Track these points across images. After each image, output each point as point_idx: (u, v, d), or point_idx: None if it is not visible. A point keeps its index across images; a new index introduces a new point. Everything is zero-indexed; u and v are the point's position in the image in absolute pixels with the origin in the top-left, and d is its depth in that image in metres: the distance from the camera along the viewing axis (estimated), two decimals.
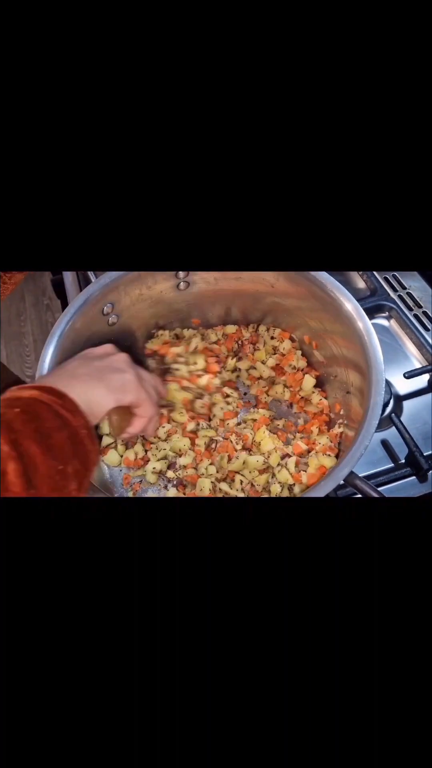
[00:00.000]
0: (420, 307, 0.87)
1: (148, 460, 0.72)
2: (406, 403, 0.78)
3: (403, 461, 0.73)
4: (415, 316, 0.86)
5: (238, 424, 0.74)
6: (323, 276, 0.67)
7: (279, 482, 0.66)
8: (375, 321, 0.87)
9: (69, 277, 0.89)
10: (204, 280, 0.76)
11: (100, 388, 0.55)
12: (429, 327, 0.85)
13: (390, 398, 0.77)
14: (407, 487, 0.71)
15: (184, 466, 0.71)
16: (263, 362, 0.78)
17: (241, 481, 0.67)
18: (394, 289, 0.90)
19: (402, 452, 0.73)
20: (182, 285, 0.76)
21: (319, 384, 0.75)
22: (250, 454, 0.68)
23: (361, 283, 0.92)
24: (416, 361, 0.83)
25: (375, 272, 0.91)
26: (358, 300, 0.66)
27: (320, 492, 0.55)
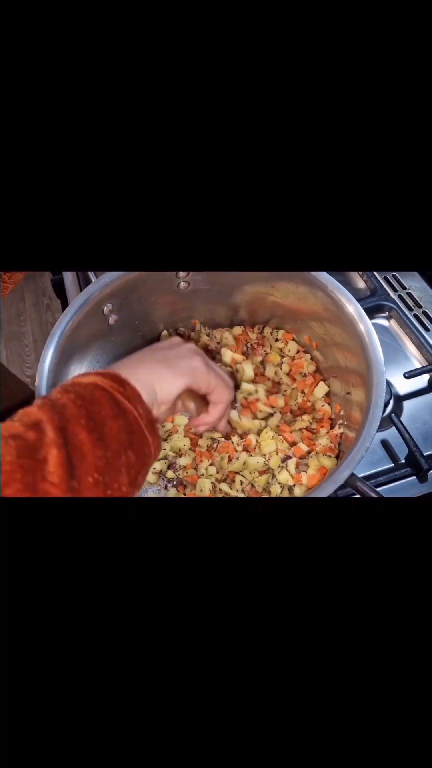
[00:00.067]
0: (420, 307, 0.87)
1: None
2: (406, 403, 0.78)
3: (403, 461, 0.73)
4: (415, 316, 0.86)
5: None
6: (324, 276, 0.67)
7: (279, 483, 0.66)
8: (375, 321, 0.87)
9: (69, 277, 0.89)
10: (204, 280, 0.76)
11: (167, 373, 0.53)
12: (429, 327, 0.85)
13: (390, 398, 0.77)
14: (407, 487, 0.71)
15: (184, 467, 0.71)
16: (279, 366, 0.76)
17: (241, 482, 0.67)
18: (394, 289, 0.90)
19: (402, 452, 0.73)
20: (182, 285, 0.76)
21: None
22: (251, 455, 0.68)
23: (361, 283, 0.92)
24: (416, 361, 0.83)
25: (375, 272, 0.91)
26: (358, 300, 0.65)
27: (320, 494, 0.55)
